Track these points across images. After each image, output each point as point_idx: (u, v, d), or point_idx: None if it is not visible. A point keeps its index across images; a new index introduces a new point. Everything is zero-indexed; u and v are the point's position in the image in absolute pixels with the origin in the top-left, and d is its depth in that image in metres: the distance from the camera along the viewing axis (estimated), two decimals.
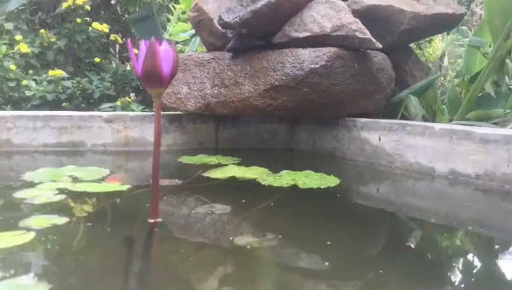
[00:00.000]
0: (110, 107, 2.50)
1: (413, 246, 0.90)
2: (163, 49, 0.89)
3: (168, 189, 1.23)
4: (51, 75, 2.59)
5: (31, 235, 0.83)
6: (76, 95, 2.58)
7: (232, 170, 1.46)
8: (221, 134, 2.02)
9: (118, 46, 3.41)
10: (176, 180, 1.34)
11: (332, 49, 1.68)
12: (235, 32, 1.83)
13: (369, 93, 1.81)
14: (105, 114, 1.93)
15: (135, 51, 0.95)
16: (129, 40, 1.04)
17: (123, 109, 2.45)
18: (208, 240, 0.89)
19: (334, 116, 1.83)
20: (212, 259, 0.79)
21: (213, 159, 1.65)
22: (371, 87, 1.80)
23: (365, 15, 1.85)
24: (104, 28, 2.93)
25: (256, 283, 0.72)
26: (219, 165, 1.55)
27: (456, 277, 0.77)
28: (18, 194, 1.12)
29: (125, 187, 1.22)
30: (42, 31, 2.84)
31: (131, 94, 2.93)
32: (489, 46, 2.03)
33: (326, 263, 0.79)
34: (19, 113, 1.90)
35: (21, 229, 0.87)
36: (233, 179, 1.37)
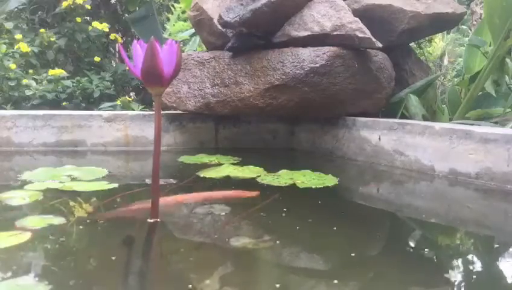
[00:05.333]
0: (110, 106, 2.50)
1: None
2: (167, 48, 0.88)
3: (167, 189, 1.23)
4: (51, 75, 2.59)
5: (27, 235, 0.83)
6: (76, 94, 2.58)
7: (228, 169, 1.46)
8: (221, 133, 2.02)
9: (118, 45, 3.41)
10: (171, 179, 1.33)
11: (333, 49, 1.68)
12: (235, 31, 1.83)
13: (369, 93, 1.81)
14: (105, 113, 1.93)
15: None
16: (119, 44, 1.04)
17: (123, 108, 2.45)
18: (207, 241, 0.89)
19: (334, 116, 1.83)
20: (211, 260, 0.79)
21: (213, 159, 1.65)
22: (371, 87, 1.80)
23: (365, 14, 1.85)
24: (104, 27, 2.93)
25: (255, 283, 0.72)
26: (219, 165, 1.55)
27: (456, 277, 0.77)
28: (15, 194, 1.12)
29: (124, 187, 1.22)
30: (42, 30, 2.84)
31: (131, 93, 2.93)
32: (489, 46, 2.02)
33: (325, 263, 0.79)
34: (18, 113, 1.89)
35: (17, 229, 0.86)
36: (231, 178, 1.37)
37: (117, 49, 3.44)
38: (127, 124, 1.91)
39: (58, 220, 0.93)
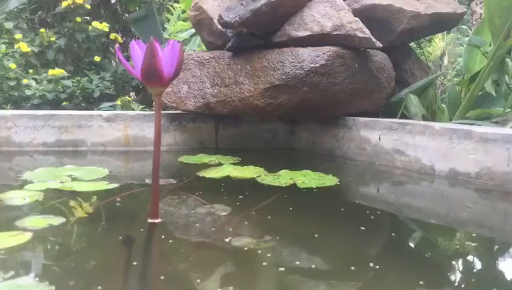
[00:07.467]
0: (110, 106, 2.50)
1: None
2: (169, 48, 0.88)
3: (167, 189, 1.23)
4: (51, 74, 2.59)
5: (28, 235, 0.83)
6: (76, 94, 2.58)
7: (228, 169, 1.46)
8: (221, 133, 2.02)
9: (116, 46, 3.41)
10: (171, 180, 1.33)
11: (333, 48, 1.68)
12: (235, 31, 1.83)
13: (369, 93, 1.81)
14: (105, 113, 1.93)
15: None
16: (117, 45, 1.04)
17: (123, 108, 2.45)
18: (208, 241, 0.89)
19: (334, 116, 1.83)
20: (212, 260, 0.79)
21: (213, 159, 1.65)
22: (371, 87, 1.80)
23: (365, 14, 1.85)
24: (104, 27, 2.93)
25: (256, 283, 0.72)
26: (219, 165, 1.55)
27: (456, 277, 0.77)
28: (15, 194, 1.12)
29: (124, 187, 1.22)
30: (42, 30, 2.84)
31: (131, 93, 2.93)
32: (489, 45, 2.03)
33: (326, 263, 0.79)
34: (18, 113, 1.89)
35: (17, 229, 0.86)
36: (231, 178, 1.37)
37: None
38: (127, 124, 1.91)
39: (58, 220, 0.93)
